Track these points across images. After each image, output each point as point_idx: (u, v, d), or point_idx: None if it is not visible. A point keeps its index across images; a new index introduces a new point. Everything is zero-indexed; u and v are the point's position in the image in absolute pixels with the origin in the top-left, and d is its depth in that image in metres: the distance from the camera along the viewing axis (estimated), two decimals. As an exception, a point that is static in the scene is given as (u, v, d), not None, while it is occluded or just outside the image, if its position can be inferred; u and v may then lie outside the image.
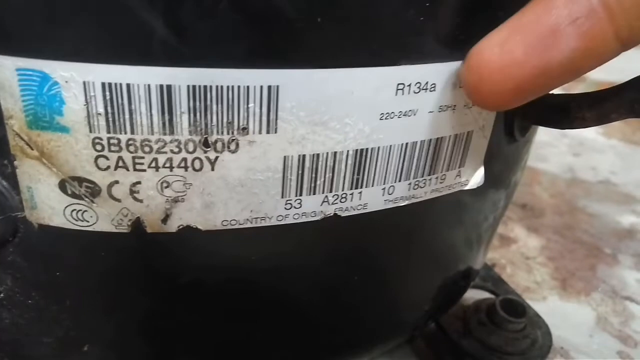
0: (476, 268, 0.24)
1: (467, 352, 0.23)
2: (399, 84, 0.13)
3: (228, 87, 0.12)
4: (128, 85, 0.11)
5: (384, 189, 0.15)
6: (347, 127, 0.13)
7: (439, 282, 0.21)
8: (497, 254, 0.36)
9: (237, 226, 0.14)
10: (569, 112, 0.16)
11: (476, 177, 0.17)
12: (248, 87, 0.12)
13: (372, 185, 0.15)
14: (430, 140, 0.15)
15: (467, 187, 0.17)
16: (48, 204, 0.13)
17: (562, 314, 0.31)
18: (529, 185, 0.46)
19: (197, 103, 0.12)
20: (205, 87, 0.12)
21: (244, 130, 0.12)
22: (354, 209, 0.15)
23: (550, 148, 0.53)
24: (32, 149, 0.12)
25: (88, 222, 0.13)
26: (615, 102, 0.15)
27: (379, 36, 0.13)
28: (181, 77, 0.12)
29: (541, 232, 0.39)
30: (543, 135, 0.50)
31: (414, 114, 0.14)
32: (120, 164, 0.12)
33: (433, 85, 0.14)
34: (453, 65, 0.14)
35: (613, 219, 0.42)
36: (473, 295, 0.27)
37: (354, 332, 0.20)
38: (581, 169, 0.50)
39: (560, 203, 0.43)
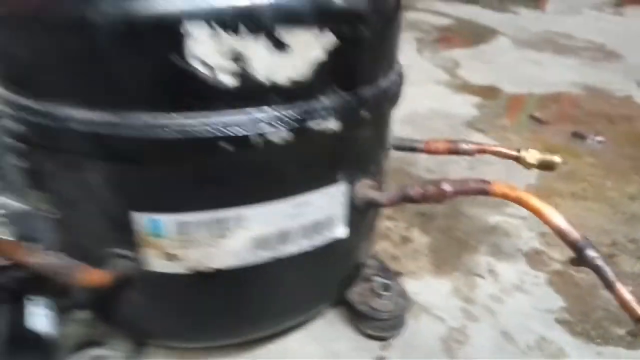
0: (362, 262, 0.44)
1: (360, 311, 0.43)
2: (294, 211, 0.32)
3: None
4: (187, 222, 0.30)
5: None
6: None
7: (340, 274, 0.41)
8: (398, 250, 0.56)
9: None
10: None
11: (342, 232, 0.36)
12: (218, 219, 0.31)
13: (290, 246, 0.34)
14: (309, 225, 0.34)
15: (339, 237, 0.36)
16: (156, 264, 0.32)
17: (431, 287, 0.51)
18: (431, 197, 0.66)
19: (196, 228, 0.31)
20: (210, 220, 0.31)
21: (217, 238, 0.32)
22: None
23: (453, 164, 0.73)
24: (148, 243, 0.31)
25: (174, 269, 0.32)
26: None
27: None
28: (194, 218, 0.30)
29: (430, 233, 0.59)
30: (446, 158, 0.69)
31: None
32: (184, 248, 0.31)
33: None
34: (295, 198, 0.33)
35: (484, 219, 0.62)
36: (372, 279, 0.47)
37: (289, 305, 0.39)
38: (473, 181, 0.70)
39: (449, 210, 0.63)
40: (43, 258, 0.31)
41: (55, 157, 0.29)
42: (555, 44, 1.35)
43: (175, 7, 0.25)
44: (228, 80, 0.26)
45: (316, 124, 0.29)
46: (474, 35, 1.37)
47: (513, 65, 1.17)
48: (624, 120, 0.93)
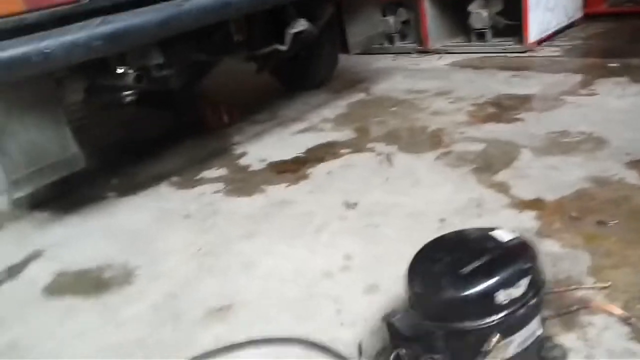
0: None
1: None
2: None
3: None
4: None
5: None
6: None
7: None
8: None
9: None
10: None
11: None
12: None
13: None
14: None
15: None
16: None
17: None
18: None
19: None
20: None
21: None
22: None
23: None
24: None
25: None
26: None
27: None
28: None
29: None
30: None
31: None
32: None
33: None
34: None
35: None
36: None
37: None
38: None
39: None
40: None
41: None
42: (560, 145, 1.99)
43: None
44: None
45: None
46: (505, 153, 2.01)
47: (542, 174, 1.80)
48: (625, 201, 1.54)
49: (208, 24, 1.80)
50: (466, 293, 0.86)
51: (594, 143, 1.95)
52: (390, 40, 4.19)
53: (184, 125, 3.51)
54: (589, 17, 3.71)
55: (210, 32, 2.47)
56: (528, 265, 0.90)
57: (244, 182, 2.27)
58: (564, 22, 3.55)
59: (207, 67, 3.14)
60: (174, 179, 2.46)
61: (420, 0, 3.79)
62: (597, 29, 3.54)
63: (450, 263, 0.93)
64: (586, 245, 1.37)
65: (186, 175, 2.48)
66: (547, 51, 3.30)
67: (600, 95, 2.41)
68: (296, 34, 2.60)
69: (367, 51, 4.21)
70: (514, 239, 0.96)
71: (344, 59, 3.98)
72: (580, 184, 1.69)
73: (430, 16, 3.82)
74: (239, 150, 2.69)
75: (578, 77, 2.70)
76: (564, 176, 1.76)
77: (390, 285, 1.37)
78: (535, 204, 1.63)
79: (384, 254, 1.52)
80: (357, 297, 1.36)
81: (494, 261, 0.90)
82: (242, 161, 2.53)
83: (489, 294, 0.86)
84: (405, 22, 4.11)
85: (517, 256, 0.91)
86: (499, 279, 0.87)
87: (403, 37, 4.20)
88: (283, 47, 2.56)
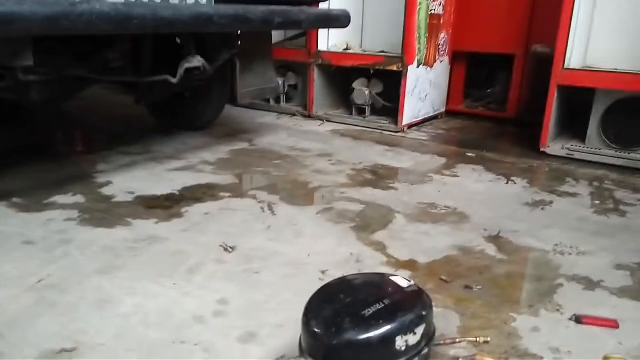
0: None
1: None
2: None
3: None
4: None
5: None
6: None
7: None
8: None
9: None
10: None
11: None
12: None
13: None
14: None
15: None
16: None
17: None
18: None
19: None
20: None
21: None
22: None
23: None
24: None
25: None
26: None
27: None
28: None
29: None
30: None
31: None
32: None
33: None
34: None
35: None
36: None
37: None
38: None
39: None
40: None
41: None
42: (430, 214, 2.14)
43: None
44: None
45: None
46: (382, 216, 2.10)
47: (414, 238, 1.89)
48: (486, 269, 1.67)
49: (100, 34, 1.63)
50: (369, 335, 0.82)
51: (458, 216, 2.13)
52: (277, 100, 4.29)
53: (37, 145, 3.07)
54: (449, 112, 4.22)
55: (94, 48, 2.27)
56: (424, 312, 0.89)
57: (105, 213, 2.01)
58: (430, 112, 3.99)
59: (77, 87, 2.84)
60: (16, 199, 2.10)
61: (310, 69, 3.97)
62: (456, 124, 4.03)
63: (351, 304, 0.88)
64: (455, 307, 1.44)
65: (33, 197, 2.13)
66: (416, 134, 3.64)
67: (461, 177, 2.68)
68: (189, 69, 2.51)
69: (252, 106, 4.27)
70: (410, 285, 0.95)
71: (228, 109, 3.93)
72: (448, 250, 1.81)
73: (317, 85, 4.01)
74: (102, 178, 2.41)
75: (442, 160, 3.00)
76: (433, 242, 1.87)
77: (269, 333, 1.27)
78: (409, 264, 1.69)
79: (262, 301, 1.42)
80: (231, 344, 1.23)
81: (395, 305, 0.88)
82: (105, 190, 2.26)
83: (390, 338, 0.83)
84: (292, 86, 4.26)
85: (415, 302, 0.90)
86: (399, 324, 0.84)
87: (288, 99, 4.33)
88: (173, 80, 2.44)
